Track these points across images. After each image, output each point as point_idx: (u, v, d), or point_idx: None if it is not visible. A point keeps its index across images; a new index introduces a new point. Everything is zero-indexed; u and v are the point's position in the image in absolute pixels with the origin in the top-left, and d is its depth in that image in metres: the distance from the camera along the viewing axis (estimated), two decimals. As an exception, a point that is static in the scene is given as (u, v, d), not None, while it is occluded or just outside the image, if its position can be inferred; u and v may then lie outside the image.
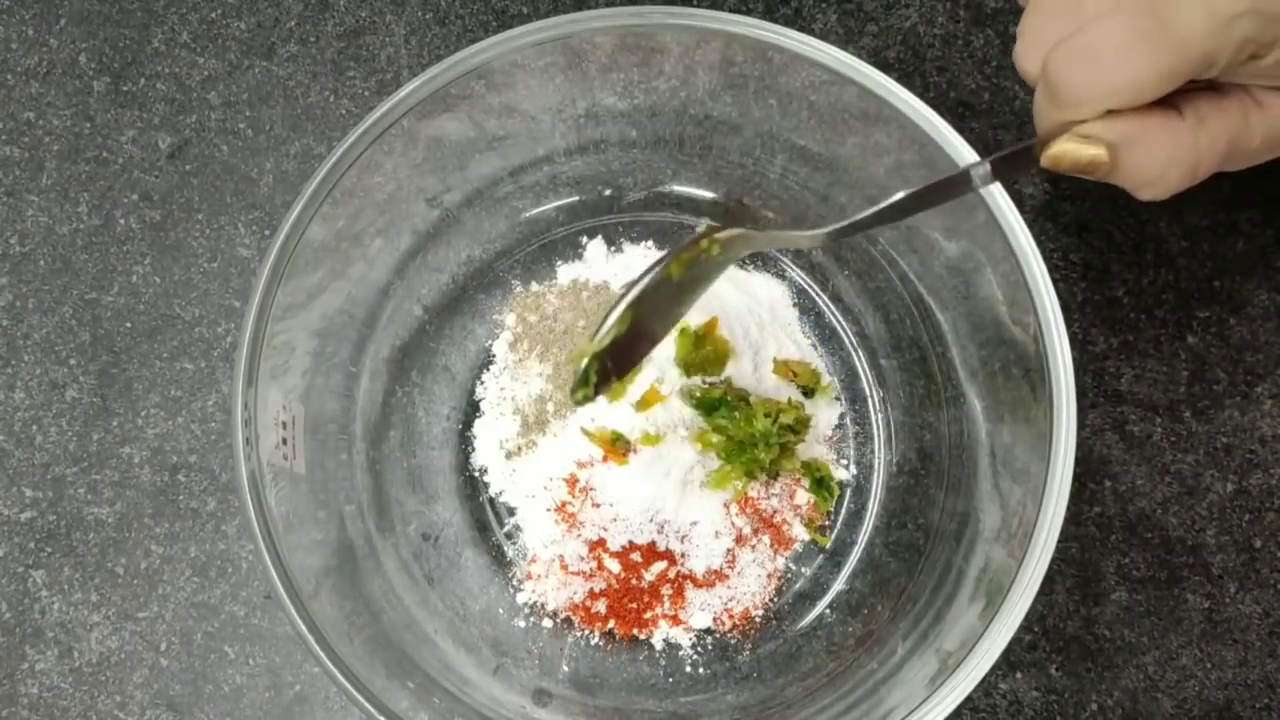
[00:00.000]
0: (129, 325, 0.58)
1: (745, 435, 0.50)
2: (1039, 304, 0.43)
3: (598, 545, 0.52)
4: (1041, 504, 0.41)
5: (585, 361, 0.41)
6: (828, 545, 0.53)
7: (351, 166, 0.46)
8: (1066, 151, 0.36)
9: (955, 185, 0.40)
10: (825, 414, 0.55)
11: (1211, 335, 0.56)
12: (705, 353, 0.52)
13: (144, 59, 0.61)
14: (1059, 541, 0.41)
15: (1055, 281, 0.43)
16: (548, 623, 0.53)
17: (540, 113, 0.51)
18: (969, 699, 0.41)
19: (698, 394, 0.51)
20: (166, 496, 0.56)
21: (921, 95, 0.45)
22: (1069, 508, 0.41)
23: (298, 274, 0.45)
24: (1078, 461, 0.42)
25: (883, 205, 0.40)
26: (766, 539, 0.53)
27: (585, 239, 0.57)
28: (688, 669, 0.52)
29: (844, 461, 0.55)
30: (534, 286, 0.56)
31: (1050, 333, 0.42)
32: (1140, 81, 0.33)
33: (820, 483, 0.53)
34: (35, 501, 0.56)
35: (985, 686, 0.52)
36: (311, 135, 0.60)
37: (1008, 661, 0.53)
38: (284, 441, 0.46)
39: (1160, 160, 0.35)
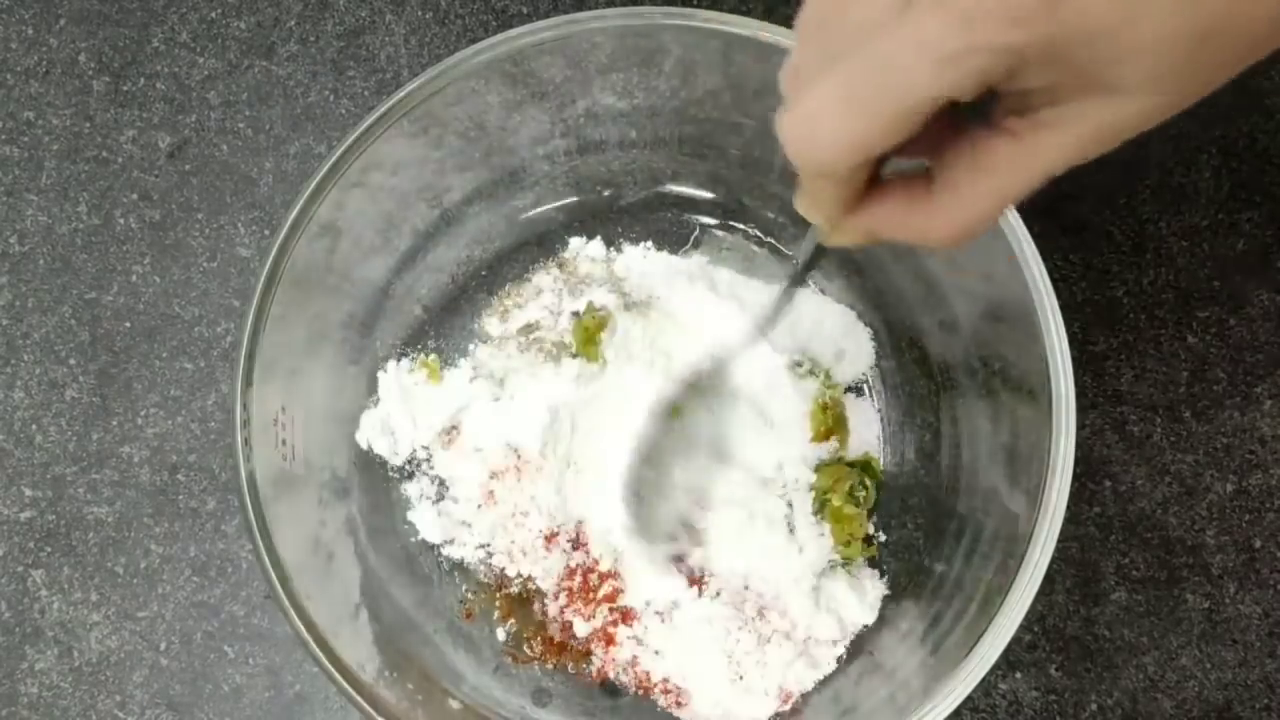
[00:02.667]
0: (128, 325, 0.58)
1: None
2: (1039, 304, 0.43)
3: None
4: (1041, 504, 0.41)
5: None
6: (875, 555, 0.53)
7: (351, 166, 0.46)
8: (834, 239, 0.33)
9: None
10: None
11: (1211, 335, 0.56)
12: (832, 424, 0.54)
13: (144, 59, 0.61)
14: (1059, 541, 0.41)
15: (1055, 281, 0.43)
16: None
17: (540, 113, 0.51)
18: (969, 699, 0.41)
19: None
20: (166, 496, 0.55)
21: (921, 95, 0.45)
22: (1069, 508, 0.41)
23: (297, 274, 0.45)
24: (1078, 461, 0.42)
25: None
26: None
27: (585, 239, 0.57)
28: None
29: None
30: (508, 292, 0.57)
31: (1050, 333, 0.42)
32: (850, 151, 0.28)
33: (866, 468, 0.53)
34: (35, 501, 0.56)
35: (985, 686, 0.52)
36: (311, 135, 0.60)
37: (1008, 661, 0.53)
38: (283, 442, 0.46)
39: (920, 232, 0.31)
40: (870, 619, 0.50)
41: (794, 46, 0.29)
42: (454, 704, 0.48)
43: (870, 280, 0.55)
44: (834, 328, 0.55)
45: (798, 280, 0.41)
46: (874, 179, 0.31)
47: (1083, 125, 0.27)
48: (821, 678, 0.50)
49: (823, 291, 0.56)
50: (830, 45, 0.27)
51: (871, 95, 0.26)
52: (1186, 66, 0.25)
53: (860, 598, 0.51)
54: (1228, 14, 0.24)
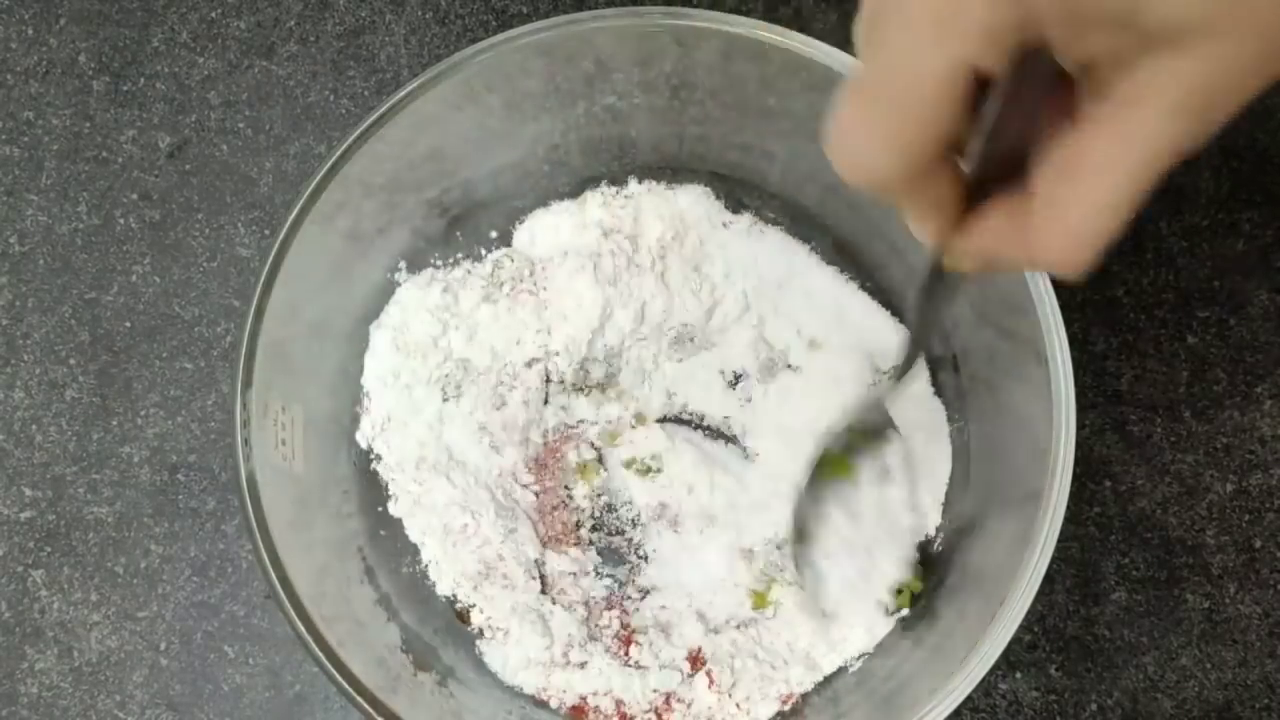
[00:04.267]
0: (129, 325, 0.58)
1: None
2: (1039, 304, 0.43)
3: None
4: (1041, 504, 0.41)
5: None
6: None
7: (350, 166, 0.46)
8: (950, 264, 0.30)
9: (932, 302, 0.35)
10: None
11: (1211, 335, 0.56)
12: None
13: (144, 58, 0.61)
14: (1059, 541, 0.41)
15: (1055, 281, 0.43)
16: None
17: (540, 112, 0.51)
18: (969, 699, 0.41)
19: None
20: (166, 496, 0.55)
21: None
22: (1069, 508, 0.41)
23: (297, 274, 0.45)
24: (1078, 461, 0.41)
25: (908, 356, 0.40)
26: None
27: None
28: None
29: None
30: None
31: (1050, 333, 0.42)
32: (889, 158, 0.25)
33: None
34: (35, 501, 0.56)
35: (985, 686, 0.52)
36: (311, 135, 0.60)
37: (1008, 661, 0.53)
38: (283, 442, 0.46)
39: (1031, 254, 0.26)
40: (871, 646, 0.50)
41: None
42: (455, 703, 0.48)
43: (869, 280, 0.55)
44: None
45: (923, 311, 0.35)
46: (975, 193, 0.27)
47: (1171, 92, 0.23)
48: (821, 679, 0.50)
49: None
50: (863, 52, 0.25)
51: (885, 90, 0.24)
52: (1245, 3, 0.21)
53: (868, 629, 0.50)
54: None
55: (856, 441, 0.48)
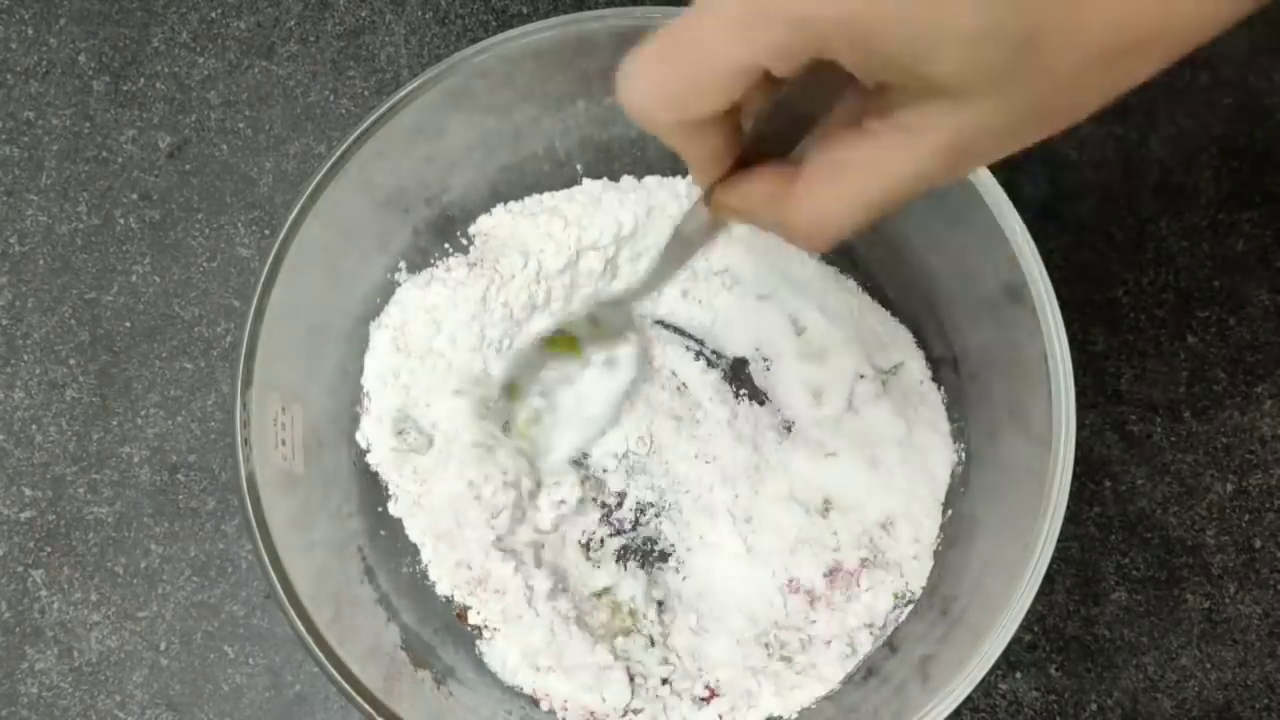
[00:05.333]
0: (129, 325, 0.58)
1: None
2: (1039, 304, 0.43)
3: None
4: (1041, 504, 0.41)
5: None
6: None
7: (350, 166, 0.46)
8: (712, 210, 0.32)
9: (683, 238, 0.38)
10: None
11: (1211, 335, 0.56)
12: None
13: (144, 58, 0.61)
14: (1059, 541, 0.41)
15: (1055, 281, 0.43)
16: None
17: (540, 112, 0.51)
18: (969, 699, 0.41)
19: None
20: (166, 496, 0.55)
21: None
22: (1069, 508, 0.41)
23: (297, 274, 0.45)
24: (1078, 461, 0.41)
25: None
26: None
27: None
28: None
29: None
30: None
31: (1050, 333, 0.42)
32: (660, 108, 0.28)
33: None
34: (35, 501, 0.56)
35: (985, 686, 0.52)
36: (311, 135, 0.60)
37: (1007, 661, 0.53)
38: (283, 442, 0.46)
39: (781, 222, 0.30)
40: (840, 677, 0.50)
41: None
42: (455, 703, 0.48)
43: (869, 281, 0.55)
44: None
45: (673, 245, 0.39)
46: (750, 154, 0.30)
47: (937, 133, 0.26)
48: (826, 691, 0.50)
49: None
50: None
51: (678, 57, 0.27)
52: (1023, 71, 0.24)
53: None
54: (1052, 23, 0.23)
55: (592, 331, 0.49)
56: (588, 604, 0.52)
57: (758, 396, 0.54)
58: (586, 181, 0.55)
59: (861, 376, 0.53)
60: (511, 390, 0.50)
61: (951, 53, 0.24)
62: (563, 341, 0.50)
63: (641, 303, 0.52)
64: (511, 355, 0.52)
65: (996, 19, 0.23)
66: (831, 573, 0.51)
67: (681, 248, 0.38)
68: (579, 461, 0.54)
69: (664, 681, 0.50)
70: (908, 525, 0.51)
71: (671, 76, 0.27)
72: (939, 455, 0.52)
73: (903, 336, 0.54)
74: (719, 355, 0.55)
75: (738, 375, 0.55)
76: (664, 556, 0.53)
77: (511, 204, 0.55)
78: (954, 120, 0.25)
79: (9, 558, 0.55)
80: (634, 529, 0.53)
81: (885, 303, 0.55)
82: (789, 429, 0.54)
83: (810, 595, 0.51)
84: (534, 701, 0.50)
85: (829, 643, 0.49)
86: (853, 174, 0.27)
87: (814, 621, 0.50)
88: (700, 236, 0.36)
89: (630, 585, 0.52)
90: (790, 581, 0.51)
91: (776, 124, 0.29)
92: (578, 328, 0.48)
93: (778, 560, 0.51)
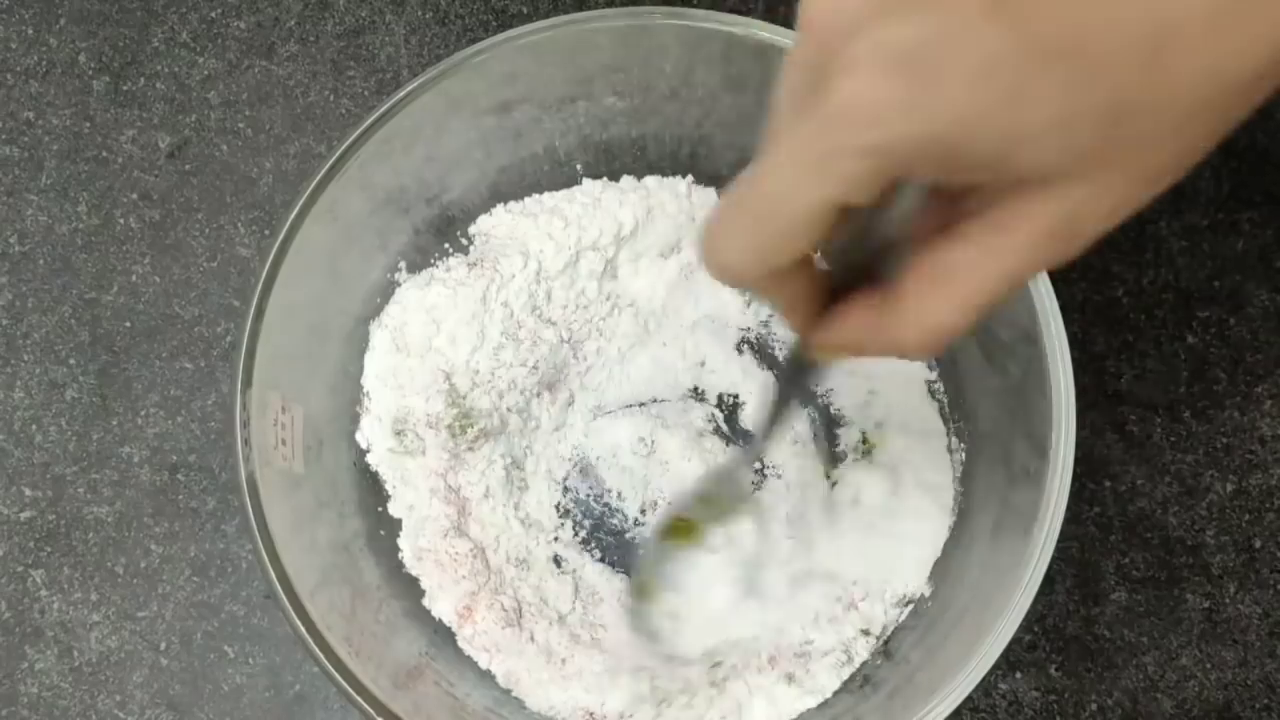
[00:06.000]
0: (129, 325, 0.58)
1: None
2: (1039, 304, 0.43)
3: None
4: (1041, 504, 0.41)
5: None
6: None
7: (350, 166, 0.46)
8: (815, 355, 0.32)
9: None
10: None
11: (1211, 335, 0.56)
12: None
13: (144, 58, 0.61)
14: (1059, 541, 0.41)
15: (1055, 281, 0.43)
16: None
17: (540, 112, 0.51)
18: (969, 699, 0.41)
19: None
20: (166, 496, 0.55)
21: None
22: (1069, 508, 0.41)
23: (297, 274, 0.45)
24: (1078, 461, 0.41)
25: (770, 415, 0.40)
26: None
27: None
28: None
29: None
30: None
31: (1050, 333, 0.42)
32: (746, 265, 0.27)
33: None
34: (35, 501, 0.56)
35: (985, 686, 0.52)
36: (311, 135, 0.60)
37: (1007, 661, 0.53)
38: (283, 442, 0.46)
39: (892, 345, 0.28)
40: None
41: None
42: (455, 703, 0.48)
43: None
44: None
45: (785, 394, 0.39)
46: (841, 291, 0.30)
47: (1035, 223, 0.25)
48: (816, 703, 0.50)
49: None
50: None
51: (757, 208, 0.26)
52: (1117, 144, 0.23)
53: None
54: (1136, 89, 0.22)
55: (707, 512, 0.48)
56: (588, 605, 0.52)
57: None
58: (586, 181, 0.55)
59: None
60: (640, 590, 0.49)
61: (1038, 144, 0.23)
62: (682, 529, 0.49)
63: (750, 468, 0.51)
64: (639, 560, 0.51)
65: (1077, 101, 0.22)
66: (826, 584, 0.51)
67: (781, 406, 0.38)
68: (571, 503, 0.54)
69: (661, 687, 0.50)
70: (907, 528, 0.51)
71: (754, 229, 0.26)
72: (939, 456, 0.52)
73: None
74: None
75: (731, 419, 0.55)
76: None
77: (511, 204, 0.54)
78: (1052, 207, 0.24)
79: (9, 558, 0.55)
80: (634, 527, 0.53)
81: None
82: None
83: (813, 609, 0.51)
84: (535, 703, 0.50)
85: (826, 653, 0.49)
86: (957, 281, 0.26)
87: (812, 634, 0.50)
88: (803, 380, 0.35)
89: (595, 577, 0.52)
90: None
91: (860, 253, 0.29)
92: (695, 512, 0.48)
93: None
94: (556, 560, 0.53)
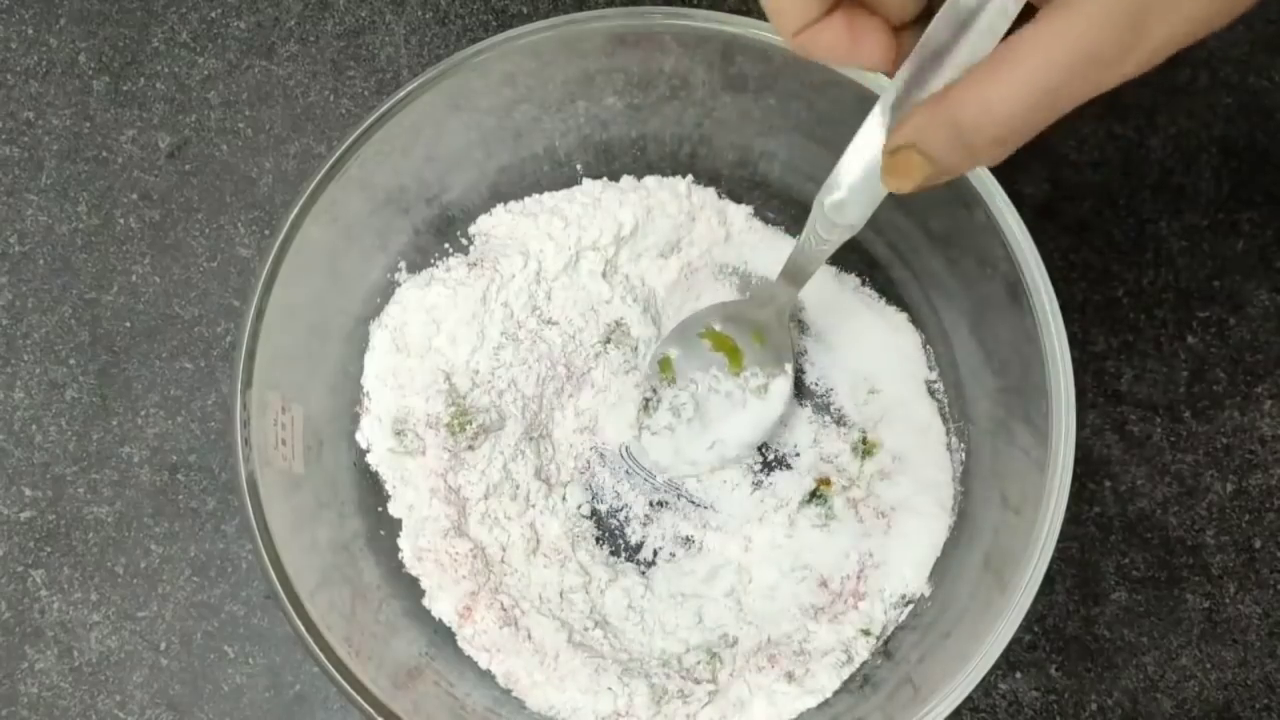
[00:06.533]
0: (129, 325, 0.58)
1: None
2: (1039, 304, 0.43)
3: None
4: (1041, 504, 0.41)
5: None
6: None
7: (350, 166, 0.46)
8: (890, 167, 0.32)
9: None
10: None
11: (1211, 335, 0.56)
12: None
13: (144, 58, 0.61)
14: (1059, 541, 0.41)
15: (1055, 281, 0.43)
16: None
17: (540, 112, 0.51)
18: (969, 699, 0.41)
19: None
20: (166, 496, 0.56)
21: (921, 95, 0.45)
22: (1069, 508, 0.41)
23: (297, 274, 0.45)
24: (1078, 461, 0.41)
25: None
26: None
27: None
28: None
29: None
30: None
31: (1050, 333, 0.42)
32: None
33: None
34: (35, 501, 0.56)
35: (985, 686, 0.52)
36: (311, 135, 0.60)
37: (1007, 661, 0.53)
38: (283, 442, 0.46)
39: (958, 104, 0.28)
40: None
41: None
42: (455, 703, 0.48)
43: (869, 281, 0.55)
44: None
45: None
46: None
47: (1103, 4, 0.25)
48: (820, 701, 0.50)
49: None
50: None
51: None
52: None
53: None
54: None
55: (754, 346, 0.48)
56: (588, 606, 0.52)
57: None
58: (586, 181, 0.55)
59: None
60: (663, 365, 0.48)
61: None
62: (724, 342, 0.48)
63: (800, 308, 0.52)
64: (676, 328, 0.51)
65: None
66: (825, 583, 0.51)
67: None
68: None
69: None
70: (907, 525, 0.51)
71: None
72: (939, 455, 0.52)
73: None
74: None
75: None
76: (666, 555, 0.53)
77: (511, 204, 0.55)
78: None
79: (9, 558, 0.55)
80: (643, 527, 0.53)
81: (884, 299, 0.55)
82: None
83: (813, 608, 0.51)
84: (535, 704, 0.50)
85: (826, 653, 0.49)
86: (1020, 60, 0.26)
87: (812, 633, 0.50)
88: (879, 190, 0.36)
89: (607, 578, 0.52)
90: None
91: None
92: (741, 331, 0.47)
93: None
94: (557, 560, 0.53)
